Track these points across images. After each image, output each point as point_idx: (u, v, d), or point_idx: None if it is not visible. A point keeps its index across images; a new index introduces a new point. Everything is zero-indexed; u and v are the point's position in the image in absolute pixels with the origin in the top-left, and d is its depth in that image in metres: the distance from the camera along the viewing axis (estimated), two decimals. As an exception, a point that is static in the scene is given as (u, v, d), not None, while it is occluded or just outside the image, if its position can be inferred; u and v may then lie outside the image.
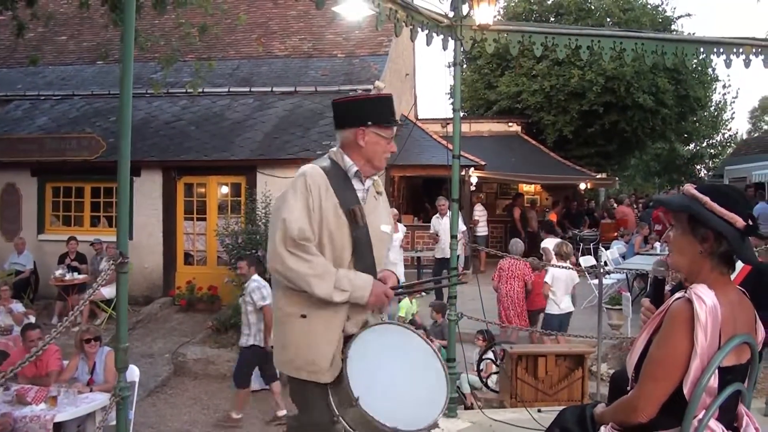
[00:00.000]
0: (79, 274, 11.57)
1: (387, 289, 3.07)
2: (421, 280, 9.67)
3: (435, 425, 2.91)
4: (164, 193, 12.60)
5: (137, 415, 7.03)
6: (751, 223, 2.22)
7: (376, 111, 3.13)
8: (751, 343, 2.34)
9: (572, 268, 8.81)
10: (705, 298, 2.16)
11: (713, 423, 2.23)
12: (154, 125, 13.56)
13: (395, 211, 10.38)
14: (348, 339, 3.01)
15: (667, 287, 2.86)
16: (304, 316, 2.99)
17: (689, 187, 2.34)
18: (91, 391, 6.29)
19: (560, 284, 8.78)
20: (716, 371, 2.17)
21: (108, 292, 10.27)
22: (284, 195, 3.04)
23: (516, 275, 9.54)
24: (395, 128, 3.20)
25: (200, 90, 13.06)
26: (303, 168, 3.07)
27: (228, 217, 12.19)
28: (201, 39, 12.16)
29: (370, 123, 3.07)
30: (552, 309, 8.80)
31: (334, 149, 3.21)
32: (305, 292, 2.92)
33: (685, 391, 2.19)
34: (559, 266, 8.59)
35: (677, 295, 2.28)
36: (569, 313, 8.93)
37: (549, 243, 10.00)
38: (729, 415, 2.32)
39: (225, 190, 12.80)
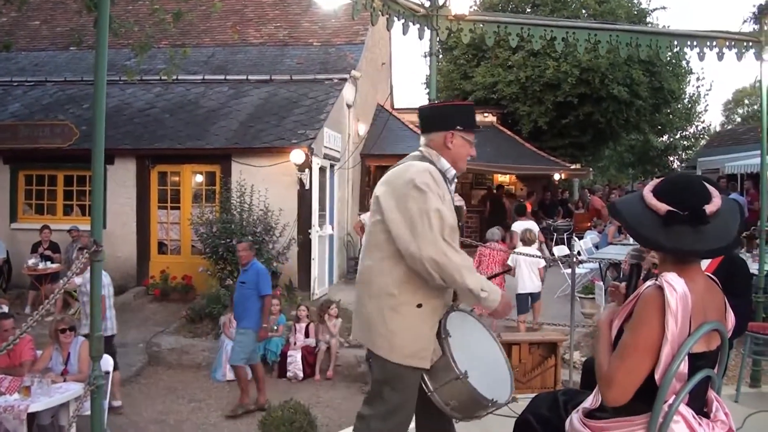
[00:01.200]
0: (52, 263, 11.45)
1: (510, 300, 3.25)
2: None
3: (513, 399, 3.22)
4: (138, 182, 12.49)
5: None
6: (683, 210, 2.23)
7: (463, 117, 3.35)
8: (721, 330, 2.38)
9: (535, 256, 9.42)
10: (676, 285, 2.20)
11: (683, 408, 2.27)
12: (127, 113, 13.43)
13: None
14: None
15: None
16: (420, 306, 3.12)
17: (647, 188, 2.39)
18: (65, 381, 6.25)
19: (523, 267, 9.46)
20: (686, 357, 2.22)
21: (81, 281, 10.16)
22: (418, 187, 3.09)
23: (496, 261, 9.99)
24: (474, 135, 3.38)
25: (174, 77, 12.94)
26: (419, 165, 3.21)
27: (202, 206, 12.13)
28: (175, 26, 12.04)
29: (459, 128, 3.28)
30: (520, 290, 9.49)
31: (424, 150, 3.35)
32: (421, 282, 3.07)
33: (657, 377, 2.23)
34: (523, 253, 9.28)
35: (648, 282, 2.31)
36: (539, 293, 9.73)
37: (517, 227, 10.63)
38: (699, 401, 2.37)
39: (199, 178, 12.72)
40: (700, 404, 2.37)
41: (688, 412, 2.29)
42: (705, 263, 3.65)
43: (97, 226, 3.43)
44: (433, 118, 3.42)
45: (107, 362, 6.15)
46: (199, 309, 10.37)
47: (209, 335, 9.95)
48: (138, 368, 9.24)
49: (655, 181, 2.43)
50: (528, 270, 9.50)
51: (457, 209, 3.24)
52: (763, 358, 6.26)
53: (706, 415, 2.40)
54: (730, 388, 5.88)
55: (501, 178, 21.18)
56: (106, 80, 3.36)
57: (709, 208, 2.26)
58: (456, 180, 3.41)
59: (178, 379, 9.08)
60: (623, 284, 2.99)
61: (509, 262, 9.43)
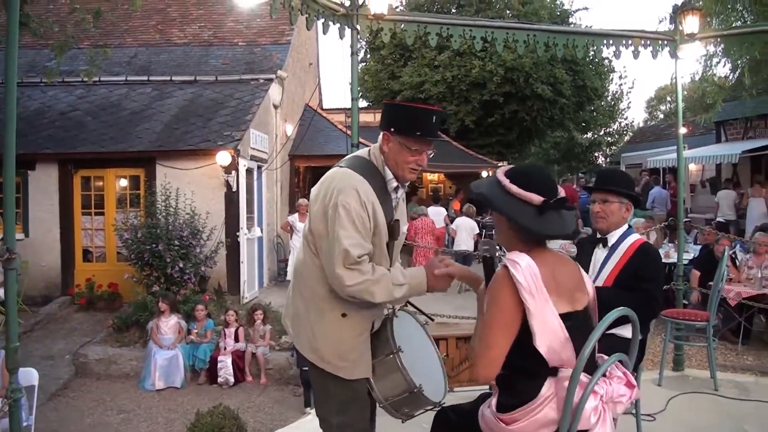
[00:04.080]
0: (-32, 273, 11.00)
1: (439, 266, 2.97)
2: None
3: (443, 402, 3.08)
4: (60, 187, 12.11)
5: (38, 421, 6.75)
6: (551, 198, 2.39)
7: (401, 118, 3.03)
8: (631, 317, 2.52)
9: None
10: (518, 259, 2.34)
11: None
12: (48, 116, 13.04)
13: (306, 201, 10.36)
14: (379, 331, 3.09)
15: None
16: (344, 315, 3.00)
17: (499, 172, 2.53)
18: (-19, 395, 6.01)
19: (462, 231, 13.13)
20: (558, 318, 2.34)
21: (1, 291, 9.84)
22: (339, 215, 2.87)
23: (427, 231, 12.66)
24: (432, 141, 3.05)
25: (96, 79, 12.66)
26: (350, 180, 2.94)
27: (127, 211, 11.87)
28: (96, 25, 11.75)
29: (393, 129, 2.99)
30: (458, 247, 12.58)
31: (374, 151, 3.11)
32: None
33: (540, 348, 2.31)
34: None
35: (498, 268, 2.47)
36: (472, 256, 11.88)
37: (432, 212, 14.28)
38: (589, 362, 2.45)
39: (123, 182, 12.43)
40: (590, 364, 2.44)
41: (586, 377, 2.37)
42: (622, 250, 3.82)
43: (10, 231, 3.33)
44: (382, 115, 3.13)
45: (31, 376, 5.96)
46: (125, 317, 10.15)
47: (137, 344, 9.75)
48: (65, 381, 9.00)
49: (506, 168, 2.56)
50: (466, 234, 13.03)
51: (394, 225, 3.05)
52: (684, 342, 6.51)
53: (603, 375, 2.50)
54: (653, 373, 6.08)
55: (430, 177, 21.38)
56: (16, 81, 3.23)
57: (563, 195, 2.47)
58: (401, 189, 3.16)
59: (107, 391, 8.88)
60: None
61: (452, 226, 13.59)
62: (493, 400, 2.50)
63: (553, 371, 2.36)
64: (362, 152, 3.17)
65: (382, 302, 2.92)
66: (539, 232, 2.41)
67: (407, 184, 3.19)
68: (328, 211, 2.92)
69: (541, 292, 2.32)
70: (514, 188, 2.42)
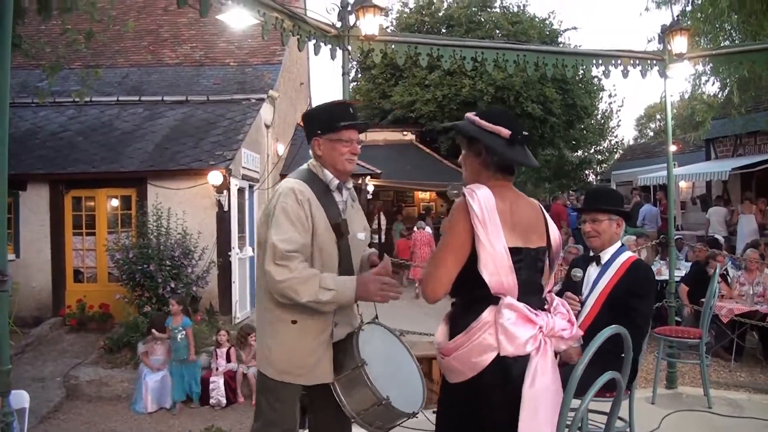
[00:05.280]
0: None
1: (374, 277, 3.04)
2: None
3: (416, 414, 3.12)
4: (51, 208, 12.05)
5: (25, 442, 6.70)
6: (519, 133, 2.56)
7: (319, 119, 3.22)
8: (624, 335, 2.57)
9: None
10: (476, 190, 2.47)
11: (514, 302, 2.46)
12: (40, 136, 13.02)
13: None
14: (346, 342, 3.09)
15: None
16: (294, 322, 3.03)
17: (469, 114, 2.71)
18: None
19: None
20: (506, 249, 2.45)
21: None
22: (275, 215, 3.00)
23: (425, 242, 14.59)
24: (357, 129, 3.23)
25: (88, 99, 12.65)
26: (288, 183, 3.10)
27: (118, 232, 11.83)
28: (88, 46, 11.78)
29: (320, 132, 3.16)
30: None
31: (312, 160, 3.24)
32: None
33: (484, 275, 2.43)
34: None
35: None
36: None
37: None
38: (533, 297, 2.57)
39: (115, 203, 12.38)
40: (534, 300, 2.56)
41: (520, 304, 2.46)
42: (615, 267, 3.85)
43: (2, 254, 3.29)
44: (305, 129, 3.32)
45: (22, 398, 5.88)
46: (117, 338, 10.07)
47: (128, 365, 9.66)
48: (56, 403, 8.89)
49: (475, 112, 2.72)
50: None
51: (340, 224, 3.12)
52: (677, 360, 6.51)
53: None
54: (646, 391, 6.07)
55: (421, 195, 21.43)
56: (8, 101, 3.22)
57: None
58: (347, 187, 3.27)
59: (98, 413, 8.78)
60: None
61: None
62: (440, 337, 2.62)
63: (495, 300, 2.46)
64: (303, 165, 3.30)
65: (308, 303, 2.91)
66: (511, 158, 2.58)
67: (351, 187, 3.31)
68: (268, 213, 3.06)
69: (494, 222, 2.44)
70: (485, 123, 2.59)
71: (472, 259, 2.45)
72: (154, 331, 9.25)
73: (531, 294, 2.55)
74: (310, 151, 3.25)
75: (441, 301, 2.52)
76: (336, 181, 3.18)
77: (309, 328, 3.05)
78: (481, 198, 2.44)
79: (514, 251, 2.47)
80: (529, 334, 2.43)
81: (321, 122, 3.19)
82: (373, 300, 3.05)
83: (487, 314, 2.45)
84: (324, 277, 2.94)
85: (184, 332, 9.06)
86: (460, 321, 2.54)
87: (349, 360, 3.02)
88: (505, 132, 2.54)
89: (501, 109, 2.87)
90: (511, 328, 2.41)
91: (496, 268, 2.43)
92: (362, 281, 3.00)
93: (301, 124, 14.48)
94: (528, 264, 2.55)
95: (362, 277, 3.05)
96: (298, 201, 3.02)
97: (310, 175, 3.20)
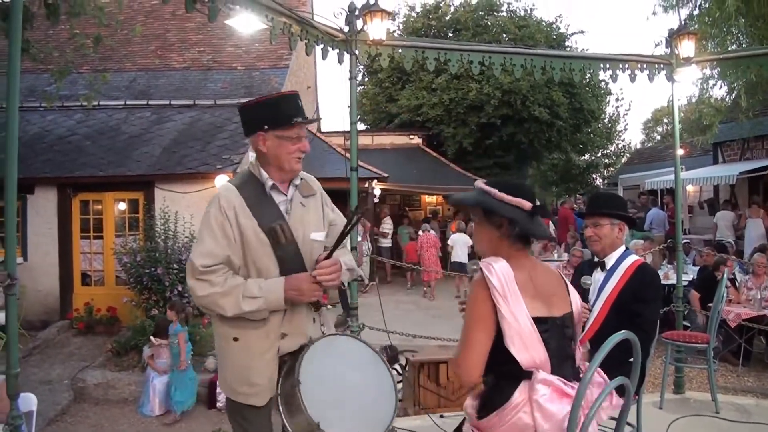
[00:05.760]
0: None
1: (306, 275, 2.85)
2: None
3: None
4: (59, 211, 12.11)
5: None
6: (537, 204, 2.56)
7: (272, 112, 2.90)
8: (632, 340, 2.53)
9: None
10: (493, 263, 2.44)
11: (548, 376, 2.40)
12: (48, 140, 13.08)
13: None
14: (292, 359, 2.88)
15: None
16: (236, 339, 2.87)
17: (479, 183, 2.67)
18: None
19: (458, 246, 15.20)
20: (530, 320, 2.41)
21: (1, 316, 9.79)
22: (200, 226, 2.90)
23: (431, 244, 15.55)
24: (304, 126, 2.99)
25: (95, 103, 12.69)
26: (218, 192, 2.91)
27: (126, 235, 11.87)
28: (96, 50, 11.82)
29: (266, 127, 2.88)
30: (454, 259, 15.14)
31: (253, 160, 3.01)
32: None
33: (512, 349, 2.37)
34: None
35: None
36: (466, 264, 14.36)
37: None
38: (565, 369, 2.51)
39: (122, 206, 12.43)
40: (568, 371, 2.51)
41: (554, 378, 2.41)
42: (620, 272, 3.85)
43: (12, 257, 3.31)
44: (245, 121, 2.98)
45: (30, 401, 5.91)
46: (124, 341, 10.10)
47: (135, 368, 9.68)
48: (64, 406, 8.91)
49: (486, 180, 2.70)
50: (460, 248, 15.09)
51: (275, 228, 2.86)
52: (684, 365, 6.49)
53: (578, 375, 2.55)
54: (654, 396, 6.05)
55: (428, 199, 21.41)
56: (18, 106, 3.25)
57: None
58: (294, 184, 3.02)
59: (105, 416, 8.79)
60: None
61: (449, 242, 15.61)
62: (471, 410, 2.55)
63: (527, 375, 2.40)
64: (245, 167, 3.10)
65: (235, 315, 2.77)
66: (533, 231, 2.56)
67: (300, 182, 3.06)
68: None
69: (514, 293, 2.40)
70: (507, 197, 2.55)
71: (498, 335, 2.40)
72: (152, 338, 9.26)
73: (563, 364, 2.49)
74: (250, 147, 3.01)
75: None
76: (270, 182, 2.94)
77: (252, 346, 2.87)
78: (498, 271, 2.42)
79: (539, 321, 2.43)
80: (566, 410, 2.34)
81: (268, 116, 2.89)
82: (308, 300, 2.90)
83: (519, 394, 2.39)
84: (249, 285, 2.79)
85: (176, 339, 9.08)
86: (492, 399, 2.46)
87: (291, 378, 2.80)
88: (528, 205, 2.54)
89: (518, 182, 2.83)
90: (546, 405, 2.35)
91: (523, 343, 2.38)
92: (294, 281, 2.82)
93: (309, 129, 14.34)
94: (556, 333, 2.49)
95: (294, 277, 2.84)
96: (221, 209, 2.83)
97: (249, 176, 2.99)
